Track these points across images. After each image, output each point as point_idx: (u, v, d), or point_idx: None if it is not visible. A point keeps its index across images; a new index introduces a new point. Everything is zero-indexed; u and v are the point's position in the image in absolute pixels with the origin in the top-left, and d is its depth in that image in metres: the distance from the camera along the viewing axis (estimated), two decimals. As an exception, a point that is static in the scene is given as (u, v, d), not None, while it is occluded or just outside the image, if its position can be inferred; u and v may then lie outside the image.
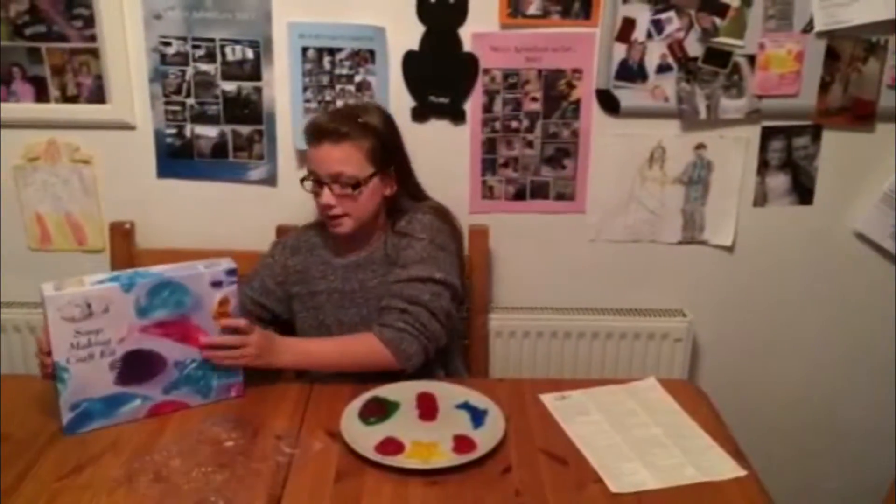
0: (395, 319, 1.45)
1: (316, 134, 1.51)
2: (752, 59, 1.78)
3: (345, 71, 1.78)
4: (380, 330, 1.45)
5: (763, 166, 1.89)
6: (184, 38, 1.76)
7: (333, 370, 1.46)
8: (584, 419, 1.35)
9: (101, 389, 1.30)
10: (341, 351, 1.47)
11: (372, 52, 1.78)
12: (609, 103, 1.82)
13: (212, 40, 1.77)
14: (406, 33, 1.76)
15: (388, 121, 1.60)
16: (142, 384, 1.33)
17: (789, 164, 1.89)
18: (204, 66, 1.79)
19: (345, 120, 1.51)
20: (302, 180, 1.56)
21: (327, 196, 1.50)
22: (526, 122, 1.84)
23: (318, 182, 1.52)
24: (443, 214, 1.63)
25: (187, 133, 1.83)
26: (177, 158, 1.85)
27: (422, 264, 1.50)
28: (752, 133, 1.86)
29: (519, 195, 1.90)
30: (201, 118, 1.82)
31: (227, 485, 1.16)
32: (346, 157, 1.49)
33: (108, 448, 1.26)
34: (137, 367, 1.32)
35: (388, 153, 1.55)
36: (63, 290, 1.24)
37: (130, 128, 1.84)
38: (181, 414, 1.36)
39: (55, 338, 1.24)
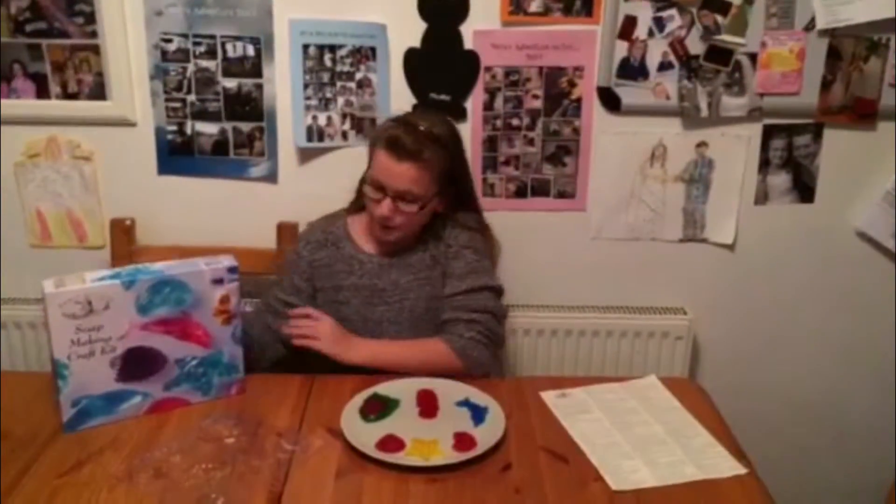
0: (465, 330, 1.51)
1: (398, 150, 1.50)
2: (753, 58, 1.78)
3: (346, 68, 1.78)
4: (449, 338, 1.50)
5: (764, 164, 1.88)
6: (185, 35, 1.76)
7: (399, 371, 1.47)
8: (584, 417, 1.35)
9: (101, 386, 1.30)
10: (412, 354, 1.51)
11: (373, 50, 1.77)
12: (610, 101, 1.82)
13: (213, 37, 1.76)
14: (407, 30, 1.76)
15: (456, 141, 1.62)
16: (142, 381, 1.33)
17: (790, 162, 1.88)
18: (205, 63, 1.78)
19: (428, 142, 1.52)
20: (362, 182, 1.60)
21: (387, 207, 1.52)
22: (527, 120, 1.84)
23: (379, 188, 1.53)
24: (480, 220, 1.69)
25: (188, 130, 1.83)
26: (177, 155, 1.85)
27: (474, 275, 1.57)
28: (754, 131, 1.86)
29: (520, 193, 1.90)
30: (202, 115, 1.82)
31: (227, 482, 1.16)
32: (419, 179, 1.51)
33: (109, 445, 1.26)
34: (138, 364, 1.32)
35: (454, 176, 1.60)
36: (64, 287, 1.23)
37: (131, 124, 1.83)
38: (182, 411, 1.36)
39: (56, 335, 1.24)
